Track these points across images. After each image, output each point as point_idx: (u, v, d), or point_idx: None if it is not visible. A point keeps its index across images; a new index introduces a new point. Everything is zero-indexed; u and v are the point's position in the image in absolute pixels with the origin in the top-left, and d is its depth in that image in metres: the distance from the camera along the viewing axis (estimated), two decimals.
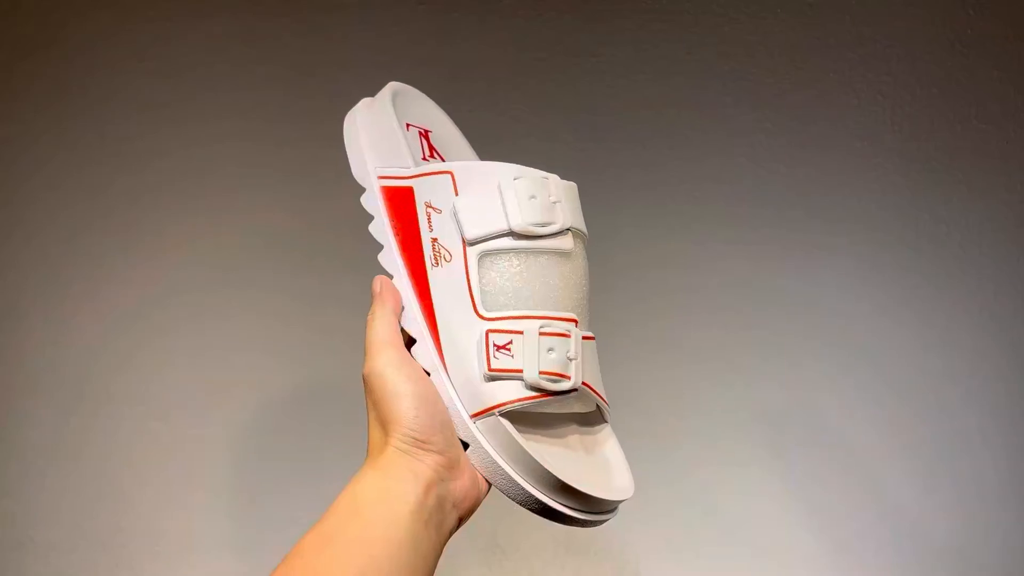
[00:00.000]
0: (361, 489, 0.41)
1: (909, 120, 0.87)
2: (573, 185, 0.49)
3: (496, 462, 0.44)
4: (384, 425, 0.43)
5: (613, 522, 0.47)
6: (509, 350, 0.44)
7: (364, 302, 0.47)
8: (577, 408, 0.49)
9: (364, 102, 0.53)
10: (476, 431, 0.44)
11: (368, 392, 0.45)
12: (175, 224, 0.91)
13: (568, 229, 0.46)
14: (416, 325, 0.46)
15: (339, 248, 0.90)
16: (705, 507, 0.94)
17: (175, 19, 0.86)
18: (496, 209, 0.45)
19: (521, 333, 0.44)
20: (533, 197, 0.45)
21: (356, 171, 0.51)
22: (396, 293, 0.47)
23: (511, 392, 0.44)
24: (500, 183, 0.45)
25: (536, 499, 0.43)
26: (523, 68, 0.86)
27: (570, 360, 0.44)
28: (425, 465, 0.42)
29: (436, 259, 0.46)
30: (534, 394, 0.44)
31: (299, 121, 0.88)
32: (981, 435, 0.94)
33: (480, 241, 0.45)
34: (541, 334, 0.44)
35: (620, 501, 0.46)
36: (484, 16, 0.84)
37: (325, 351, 0.92)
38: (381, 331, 0.45)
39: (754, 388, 0.94)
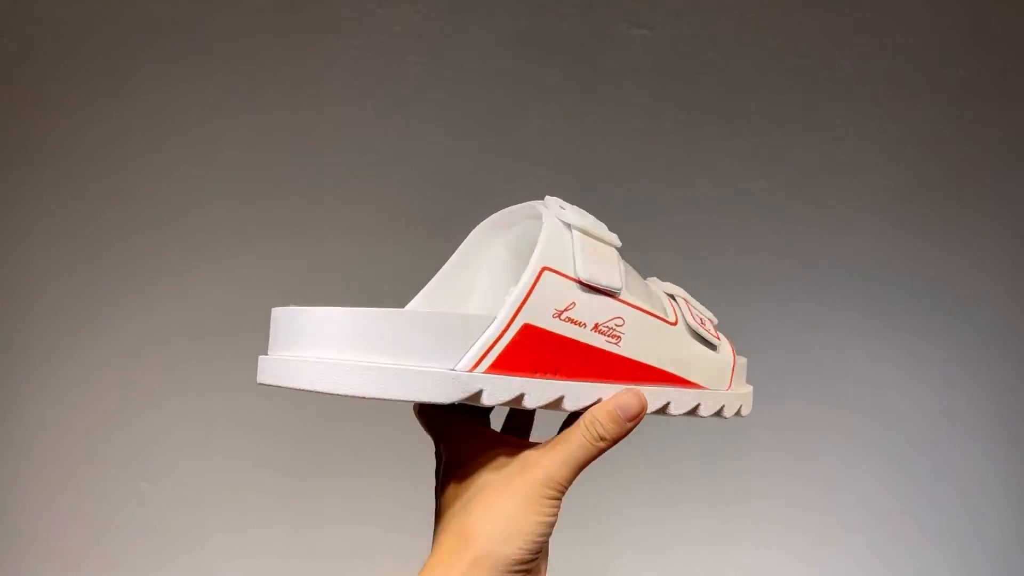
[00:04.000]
0: None
1: (905, 177, 0.87)
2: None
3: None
4: (471, 542, 0.35)
5: None
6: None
7: None
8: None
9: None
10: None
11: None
12: (167, 282, 0.90)
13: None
14: (656, 395, 0.41)
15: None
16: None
17: (173, 81, 0.86)
18: (610, 261, 0.41)
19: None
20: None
21: (434, 390, 0.35)
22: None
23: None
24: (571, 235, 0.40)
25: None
26: (516, 127, 0.86)
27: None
28: None
29: (612, 336, 0.41)
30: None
31: (295, 178, 0.88)
32: (983, 488, 0.93)
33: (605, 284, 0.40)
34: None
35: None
36: (477, 75, 0.85)
37: (316, 415, 0.91)
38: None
39: (744, 435, 0.93)
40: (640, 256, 0.88)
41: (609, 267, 0.41)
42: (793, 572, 0.92)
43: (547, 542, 0.37)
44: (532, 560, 0.36)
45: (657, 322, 0.43)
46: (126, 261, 0.90)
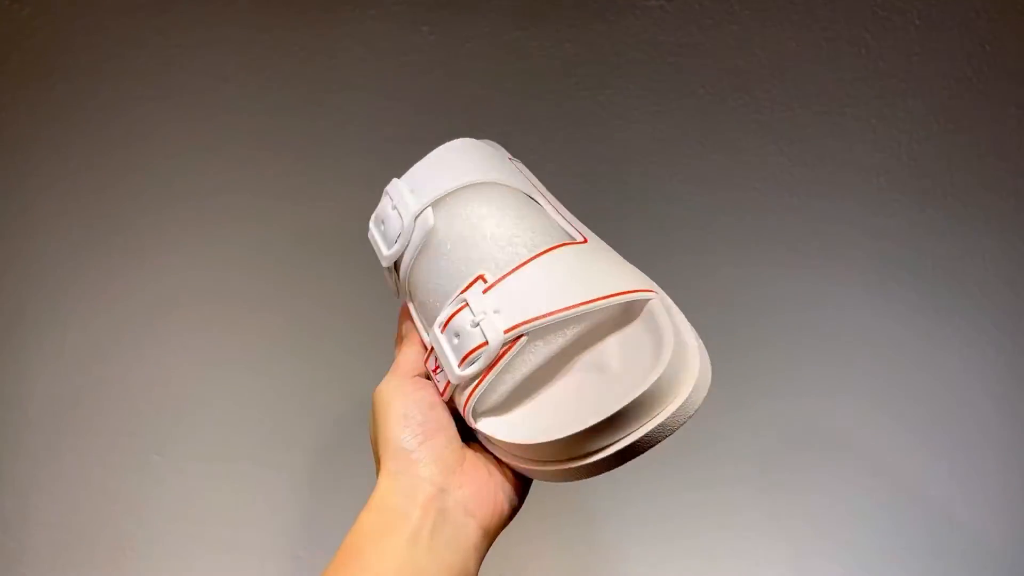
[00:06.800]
0: (359, 528, 0.40)
1: (926, 155, 0.86)
2: (435, 153, 0.48)
3: (508, 463, 0.42)
4: (380, 451, 0.42)
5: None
6: (438, 371, 0.42)
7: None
8: (577, 331, 0.43)
9: None
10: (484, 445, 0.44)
11: (372, 419, 0.45)
12: (178, 270, 0.90)
13: (417, 216, 0.43)
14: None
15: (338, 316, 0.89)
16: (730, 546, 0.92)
17: (183, 46, 0.85)
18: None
19: (432, 349, 0.42)
20: (381, 223, 0.45)
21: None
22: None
23: (462, 402, 0.42)
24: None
25: (562, 471, 0.39)
26: (532, 100, 0.85)
27: (473, 328, 0.40)
28: (420, 480, 0.40)
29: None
30: (472, 386, 0.40)
31: (304, 148, 0.87)
32: (982, 483, 0.92)
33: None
34: (440, 333, 0.41)
35: (656, 389, 0.38)
36: (492, 47, 0.84)
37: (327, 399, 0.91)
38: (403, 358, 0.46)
39: (759, 420, 0.93)
40: (656, 234, 0.87)
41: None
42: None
43: (441, 416, 0.44)
44: (421, 421, 0.42)
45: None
46: (142, 237, 0.90)
